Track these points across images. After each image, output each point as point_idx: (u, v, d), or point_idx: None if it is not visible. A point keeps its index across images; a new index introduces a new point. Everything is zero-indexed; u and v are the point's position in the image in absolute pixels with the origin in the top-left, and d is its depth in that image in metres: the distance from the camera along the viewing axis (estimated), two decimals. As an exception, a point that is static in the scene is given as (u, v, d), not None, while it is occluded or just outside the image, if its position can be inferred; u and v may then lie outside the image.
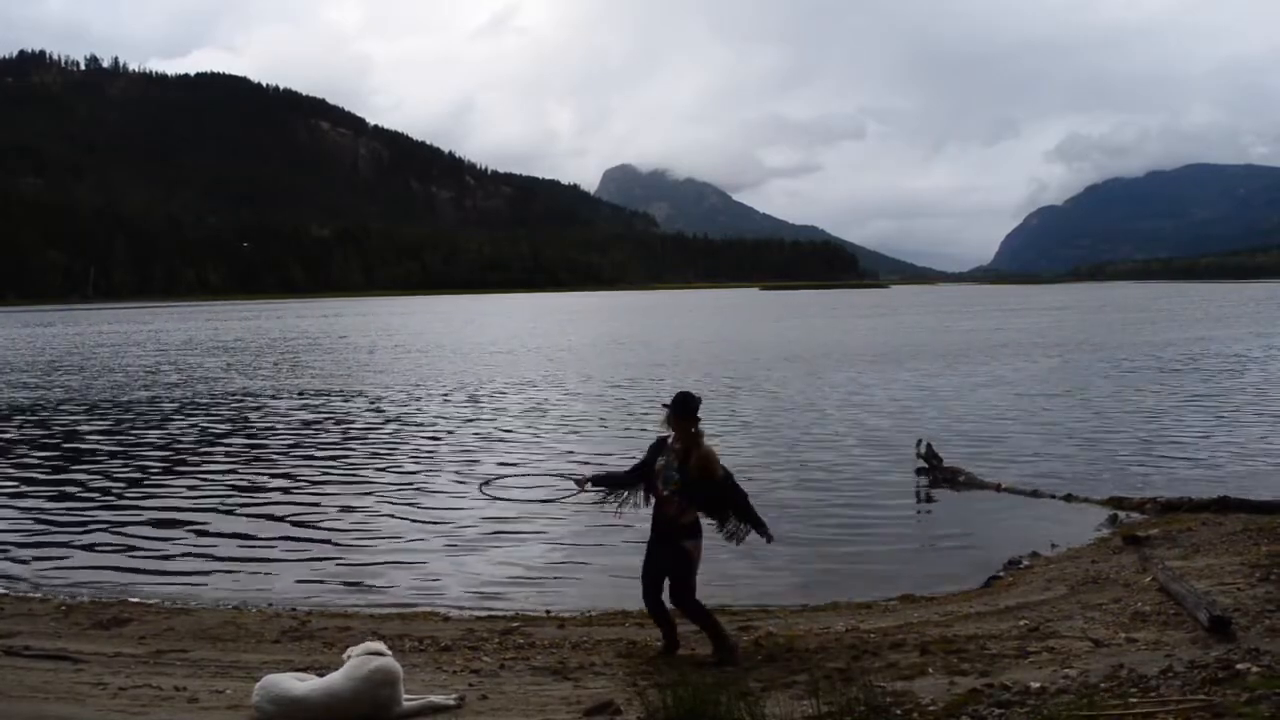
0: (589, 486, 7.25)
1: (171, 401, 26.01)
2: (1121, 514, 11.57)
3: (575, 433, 19.31)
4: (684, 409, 6.79)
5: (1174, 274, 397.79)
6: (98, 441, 19.39)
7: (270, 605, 8.91)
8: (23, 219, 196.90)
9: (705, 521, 6.88)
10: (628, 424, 20.12)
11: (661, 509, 6.77)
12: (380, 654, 5.53)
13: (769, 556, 10.32)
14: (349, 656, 5.55)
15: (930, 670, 6.06)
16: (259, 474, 15.59)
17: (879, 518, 12.06)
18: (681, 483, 6.71)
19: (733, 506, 6.88)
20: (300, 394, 27.32)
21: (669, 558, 6.75)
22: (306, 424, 21.39)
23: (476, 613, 8.59)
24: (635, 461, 7.11)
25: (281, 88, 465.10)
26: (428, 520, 12.27)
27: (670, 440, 6.86)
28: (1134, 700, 4.91)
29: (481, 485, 10.46)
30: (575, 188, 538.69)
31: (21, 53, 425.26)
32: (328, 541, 11.36)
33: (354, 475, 15.40)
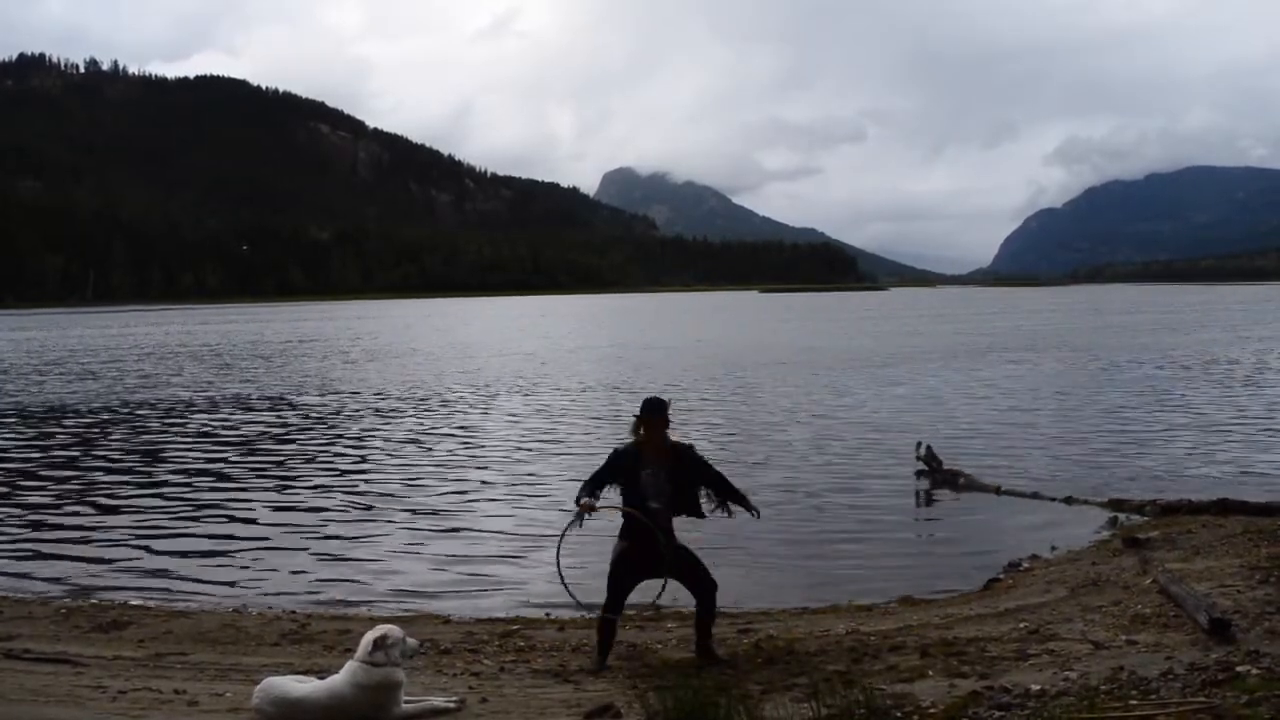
0: (597, 505, 6.76)
1: (163, 406, 26.02)
2: (1121, 516, 11.57)
3: (562, 439, 19.32)
4: (663, 412, 6.78)
5: (1173, 277, 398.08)
6: (95, 445, 19.39)
7: (270, 608, 8.90)
8: (22, 222, 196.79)
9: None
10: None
11: (655, 521, 6.66)
12: (389, 638, 5.52)
13: (768, 559, 10.36)
14: (365, 644, 5.52)
15: (930, 673, 6.06)
16: (258, 477, 15.60)
17: (878, 520, 12.06)
18: (674, 491, 6.72)
19: (721, 488, 6.90)
20: (294, 398, 27.32)
21: (680, 561, 6.71)
22: (304, 428, 21.40)
23: (477, 615, 8.59)
24: (598, 470, 6.87)
25: (281, 90, 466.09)
26: (427, 522, 12.29)
27: (644, 450, 6.76)
28: (1134, 702, 4.91)
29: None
30: (575, 190, 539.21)
31: (21, 55, 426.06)
32: (327, 544, 11.36)
33: (353, 478, 15.40)
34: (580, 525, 6.77)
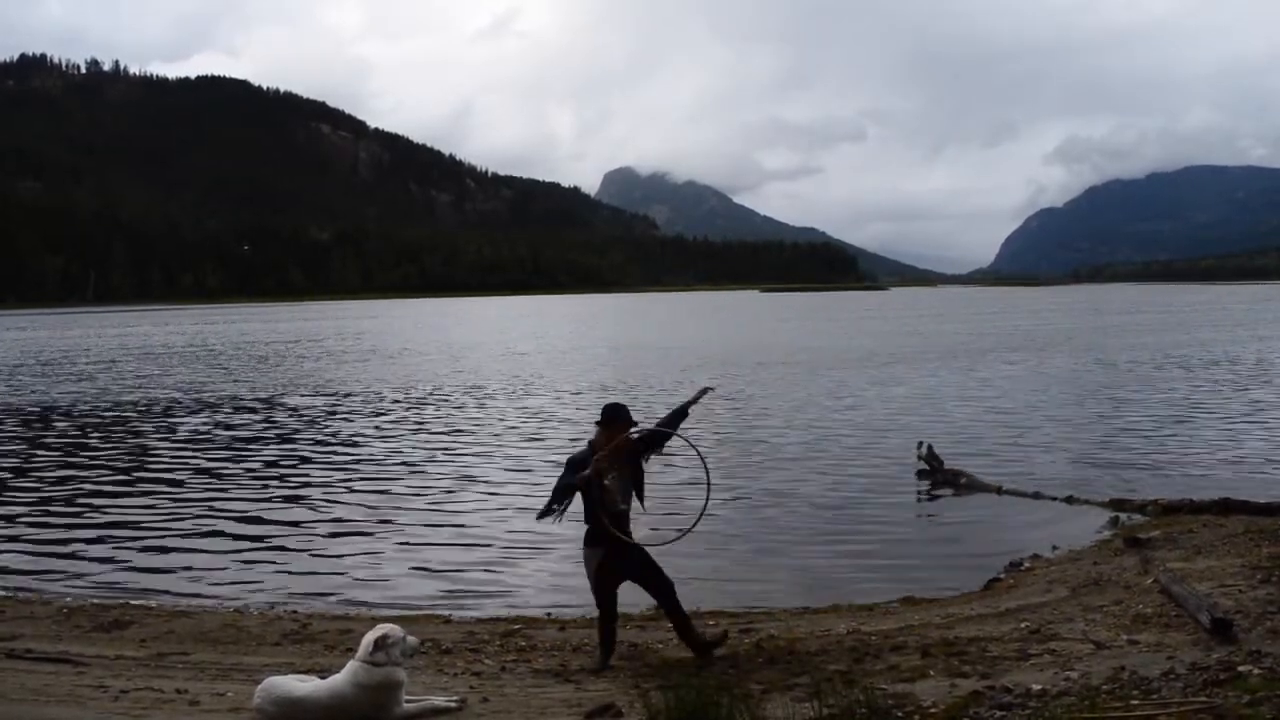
0: (555, 510, 6.85)
1: (162, 408, 26.03)
2: (1123, 516, 11.57)
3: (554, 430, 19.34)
4: (625, 417, 6.80)
5: (1174, 276, 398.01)
6: (95, 446, 19.40)
7: (271, 608, 8.92)
8: (22, 222, 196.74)
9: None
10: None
11: (619, 525, 6.74)
12: (389, 637, 5.52)
13: (770, 559, 10.36)
14: (366, 644, 5.53)
15: (931, 672, 6.06)
16: (257, 478, 15.61)
17: (880, 520, 12.06)
18: (635, 490, 6.82)
19: (658, 434, 7.00)
20: (292, 399, 27.32)
21: (641, 568, 6.80)
22: (303, 429, 21.40)
23: (478, 615, 8.61)
24: (563, 475, 6.88)
25: (281, 90, 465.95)
26: (428, 523, 12.29)
27: (604, 453, 6.74)
28: (1135, 702, 4.91)
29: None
30: (575, 190, 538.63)
31: (22, 56, 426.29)
32: (328, 544, 11.37)
33: (353, 479, 15.40)
34: (561, 513, 6.79)
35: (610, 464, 6.74)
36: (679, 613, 6.84)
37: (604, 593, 6.81)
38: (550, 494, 6.93)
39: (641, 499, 6.94)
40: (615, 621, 6.90)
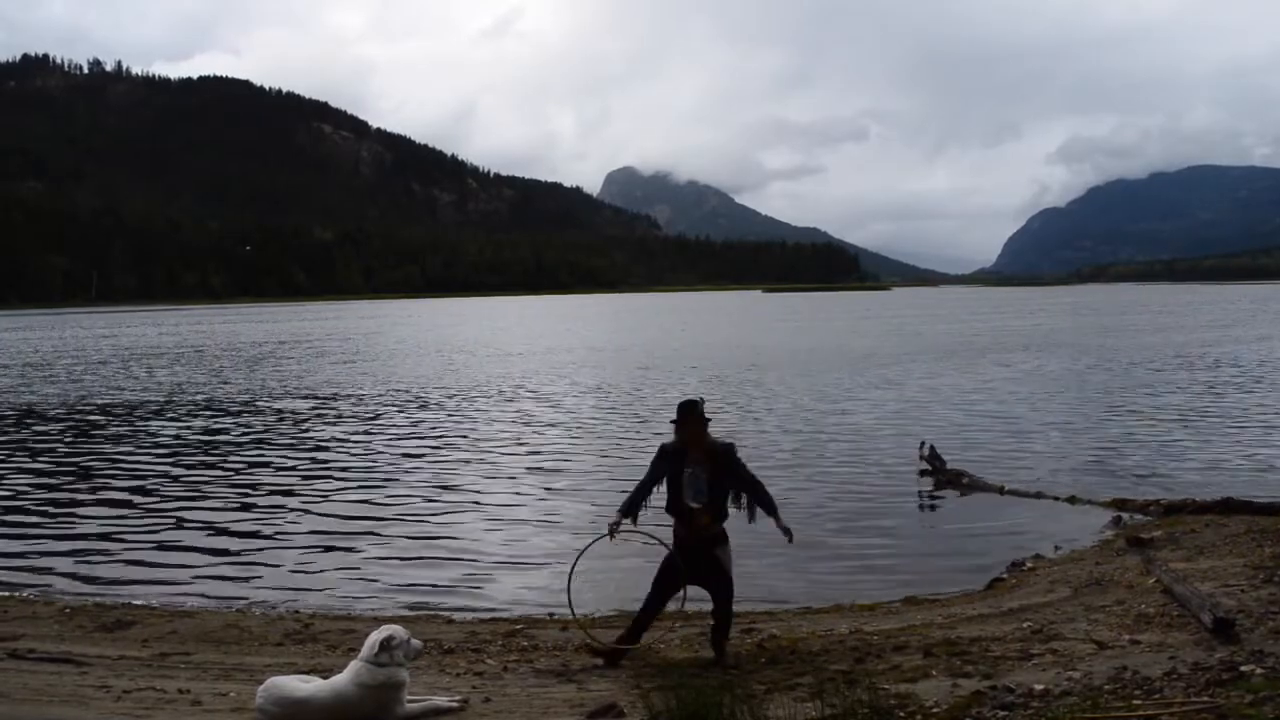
0: (622, 526, 6.80)
1: (168, 406, 26.06)
2: (1125, 516, 11.57)
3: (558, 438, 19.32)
4: (699, 414, 6.79)
5: (1176, 276, 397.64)
6: (99, 446, 19.41)
7: (273, 608, 8.92)
8: (23, 223, 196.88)
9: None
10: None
11: (694, 521, 6.73)
12: (394, 638, 5.53)
13: (772, 559, 10.34)
14: (370, 645, 5.54)
15: (933, 672, 6.05)
16: (262, 478, 15.61)
17: (882, 519, 12.05)
18: (712, 493, 6.76)
19: (753, 495, 6.90)
20: (295, 400, 27.34)
21: (707, 570, 6.78)
22: (305, 430, 21.41)
23: (480, 615, 8.61)
24: (643, 477, 6.96)
25: (284, 91, 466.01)
26: (429, 523, 12.30)
27: (689, 448, 6.79)
28: (1138, 702, 4.91)
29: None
30: (577, 190, 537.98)
31: (24, 56, 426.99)
32: (330, 545, 11.37)
33: (354, 480, 15.41)
34: (613, 538, 6.83)
35: (692, 458, 6.74)
36: (721, 629, 6.82)
37: (659, 588, 6.82)
38: (634, 490, 6.91)
39: (720, 512, 6.81)
40: (653, 618, 6.89)
